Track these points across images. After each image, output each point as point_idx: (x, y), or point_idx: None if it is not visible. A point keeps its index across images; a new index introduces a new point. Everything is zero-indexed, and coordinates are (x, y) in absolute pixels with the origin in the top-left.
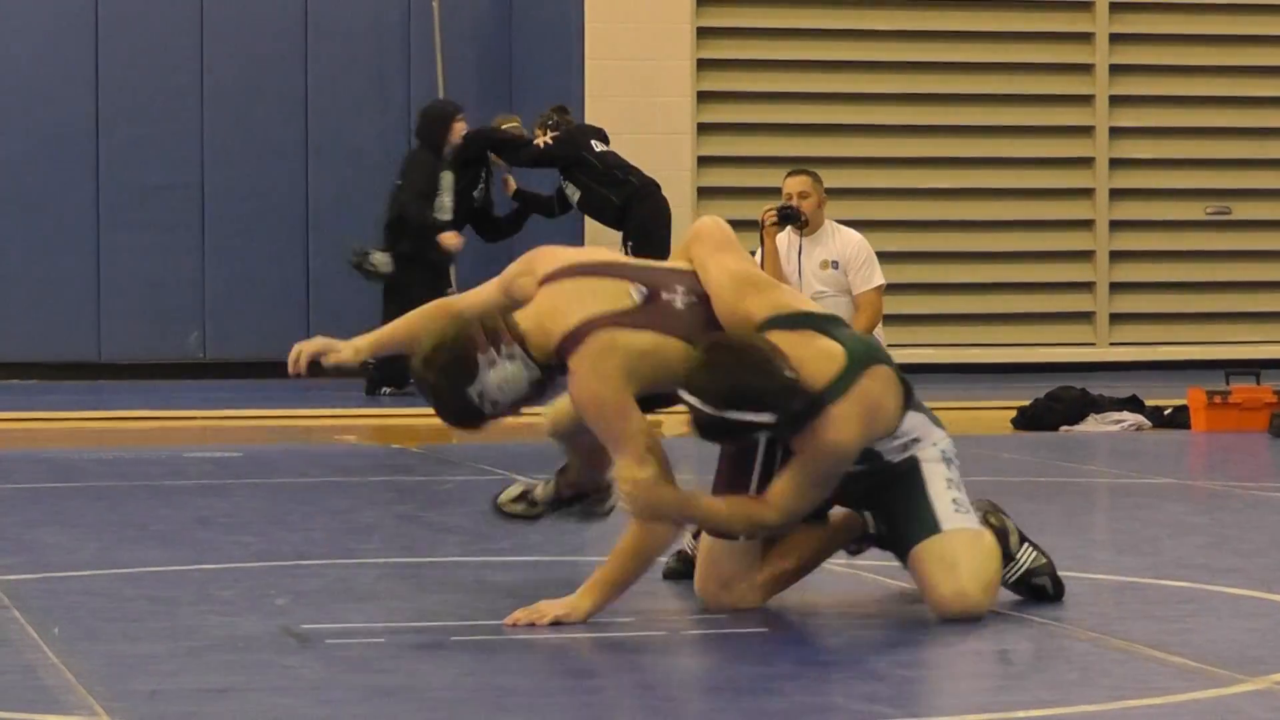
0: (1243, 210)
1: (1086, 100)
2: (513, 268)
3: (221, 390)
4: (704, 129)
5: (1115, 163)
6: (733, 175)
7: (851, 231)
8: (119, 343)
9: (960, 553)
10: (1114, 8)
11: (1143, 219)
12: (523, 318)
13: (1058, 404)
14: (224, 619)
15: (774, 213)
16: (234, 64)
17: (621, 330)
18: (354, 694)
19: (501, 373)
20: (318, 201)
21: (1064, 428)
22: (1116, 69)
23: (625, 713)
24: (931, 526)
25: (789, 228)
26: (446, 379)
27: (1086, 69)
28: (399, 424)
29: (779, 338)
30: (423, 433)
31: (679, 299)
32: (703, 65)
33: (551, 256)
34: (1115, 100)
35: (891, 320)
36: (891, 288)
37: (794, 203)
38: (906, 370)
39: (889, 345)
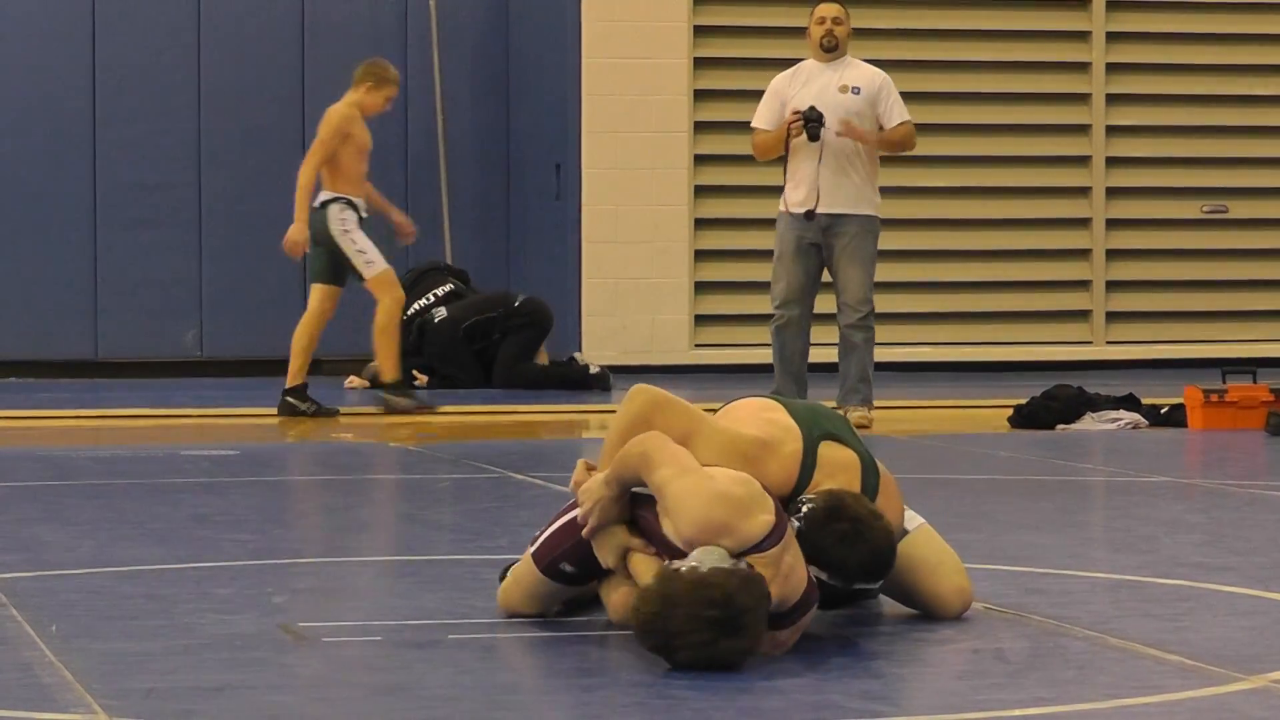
0: (1239, 209)
1: (1083, 99)
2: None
3: (218, 388)
4: (701, 127)
5: (1112, 161)
6: (730, 174)
7: (872, 66)
8: (116, 341)
9: (938, 550)
10: (1111, 6)
11: (1140, 217)
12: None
13: (1054, 402)
14: (221, 617)
15: (800, 127)
16: (231, 62)
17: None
18: (351, 692)
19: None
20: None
21: (1060, 426)
22: (1113, 67)
23: (622, 711)
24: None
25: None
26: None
27: (1083, 67)
28: (395, 422)
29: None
30: (419, 431)
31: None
32: (700, 64)
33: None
34: (1112, 99)
35: (887, 319)
36: (888, 286)
37: (828, 27)
38: (903, 369)
39: (877, 344)
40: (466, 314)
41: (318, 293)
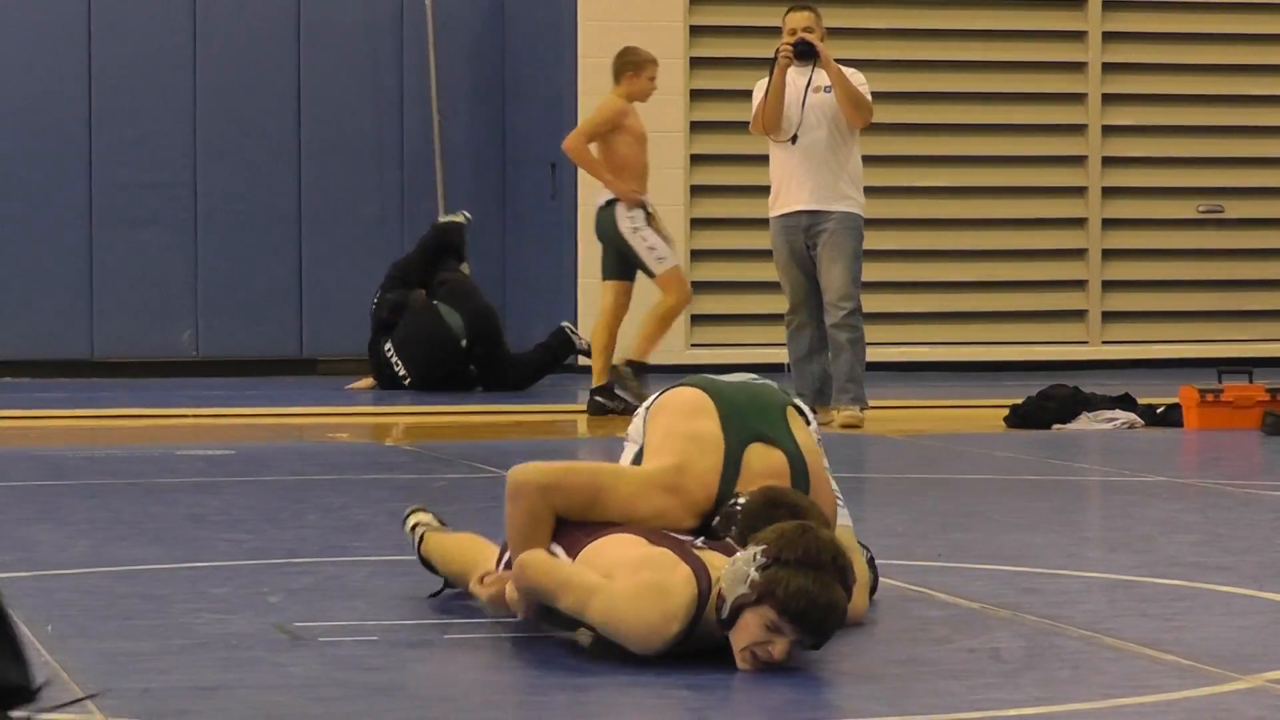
0: (1235, 209)
1: (1079, 98)
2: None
3: (214, 388)
4: (696, 127)
5: (1108, 161)
6: (725, 173)
7: (843, 66)
8: (111, 340)
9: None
10: (1107, 6)
11: (1135, 217)
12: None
13: (1050, 402)
14: (216, 616)
15: (789, 48)
16: (227, 61)
17: None
18: (346, 691)
19: None
20: (310, 199)
21: (1056, 426)
22: (1109, 67)
23: (617, 711)
24: None
25: (796, 62)
26: None
27: (1079, 67)
28: (391, 421)
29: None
30: (415, 430)
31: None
32: (695, 63)
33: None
34: (1108, 98)
35: (883, 319)
36: (884, 285)
37: (800, 37)
38: (899, 369)
39: (873, 344)
40: (426, 372)
41: (610, 290)
